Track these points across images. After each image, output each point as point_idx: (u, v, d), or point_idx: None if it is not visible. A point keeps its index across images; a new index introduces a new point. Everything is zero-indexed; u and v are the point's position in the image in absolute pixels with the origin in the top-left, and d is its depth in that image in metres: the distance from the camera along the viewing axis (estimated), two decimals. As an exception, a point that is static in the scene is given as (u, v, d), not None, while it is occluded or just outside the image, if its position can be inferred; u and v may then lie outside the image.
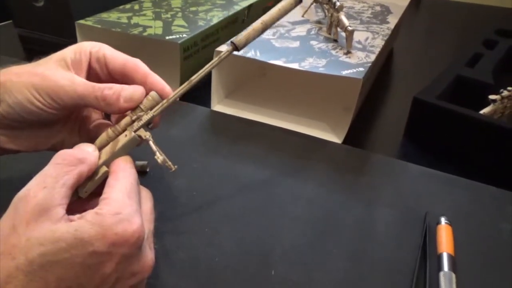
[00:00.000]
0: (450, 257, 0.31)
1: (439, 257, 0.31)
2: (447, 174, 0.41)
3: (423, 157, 0.44)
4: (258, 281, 0.30)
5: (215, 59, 0.30)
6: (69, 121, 0.33)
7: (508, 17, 0.93)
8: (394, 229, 0.35)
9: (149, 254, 0.25)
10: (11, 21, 0.73)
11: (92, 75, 0.32)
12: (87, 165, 0.26)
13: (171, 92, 0.31)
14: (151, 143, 0.29)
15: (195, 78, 0.30)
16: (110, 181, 0.26)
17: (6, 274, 0.20)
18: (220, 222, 0.35)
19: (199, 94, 0.55)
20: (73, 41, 0.55)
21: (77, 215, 0.23)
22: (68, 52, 0.31)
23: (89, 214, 0.23)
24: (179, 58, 0.50)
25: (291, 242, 0.33)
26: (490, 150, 0.42)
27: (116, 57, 0.32)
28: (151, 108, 0.29)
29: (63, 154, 0.25)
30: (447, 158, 0.44)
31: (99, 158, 0.28)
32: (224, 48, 0.48)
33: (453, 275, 0.30)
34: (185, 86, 0.30)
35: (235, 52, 0.46)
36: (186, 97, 0.54)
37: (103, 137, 0.29)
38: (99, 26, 0.53)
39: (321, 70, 0.43)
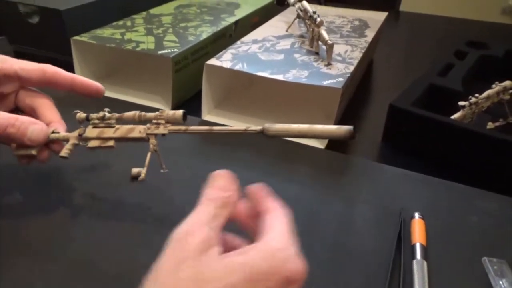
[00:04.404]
0: (422, 247, 0.34)
1: (412, 247, 0.34)
2: (421, 174, 0.44)
3: (400, 159, 0.48)
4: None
5: (239, 128, 0.32)
6: None
7: (479, 29, 0.99)
8: (372, 224, 0.38)
9: None
10: (4, 36, 0.75)
11: None
12: (232, 208, 0.25)
13: (99, 87, 0.38)
14: (149, 154, 0.34)
15: (217, 130, 0.33)
16: (268, 221, 0.25)
17: None
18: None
19: (190, 104, 0.58)
20: (69, 56, 0.58)
21: (234, 251, 0.22)
22: None
23: (255, 250, 0.22)
24: (171, 71, 0.53)
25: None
26: (460, 151, 0.45)
27: (29, 69, 0.36)
28: (170, 122, 0.33)
29: (213, 195, 0.25)
30: (421, 159, 0.47)
31: (115, 130, 0.34)
32: (214, 62, 0.51)
33: (425, 263, 0.33)
34: (205, 130, 0.33)
35: (224, 65, 0.50)
36: (178, 108, 0.57)
37: (130, 115, 0.34)
38: (94, 42, 0.56)
39: (304, 80, 0.46)
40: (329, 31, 0.62)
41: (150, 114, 0.33)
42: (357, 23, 0.67)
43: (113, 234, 0.36)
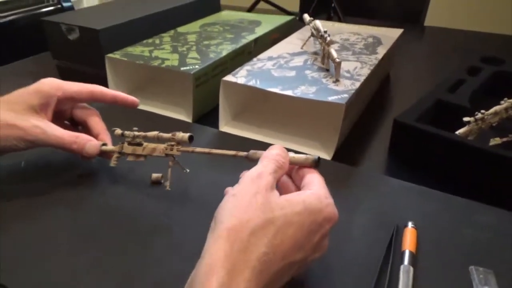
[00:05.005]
0: (411, 254, 0.37)
1: (402, 254, 0.37)
2: (422, 186, 0.46)
3: (404, 173, 0.50)
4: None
5: (231, 153, 0.40)
6: None
7: (503, 43, 0.98)
8: (368, 232, 0.40)
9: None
10: (48, 52, 0.83)
11: (58, 108, 0.46)
12: (283, 172, 0.33)
13: (135, 100, 0.49)
14: (170, 170, 0.42)
15: (214, 152, 0.41)
16: (311, 178, 0.33)
17: (260, 224, 0.27)
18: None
19: (210, 117, 0.63)
20: (103, 71, 0.65)
21: (291, 193, 0.31)
22: (33, 98, 0.44)
23: (307, 193, 0.31)
24: (192, 86, 0.58)
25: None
26: (461, 165, 0.47)
27: (81, 91, 0.47)
28: (180, 144, 0.42)
29: (274, 157, 0.33)
30: (425, 173, 0.49)
31: (143, 149, 0.44)
32: (230, 78, 0.55)
33: (411, 268, 0.35)
34: (206, 151, 0.41)
35: (239, 81, 0.54)
36: (198, 119, 0.62)
37: (151, 134, 0.43)
38: (125, 59, 0.62)
39: (311, 96, 0.50)
40: (343, 48, 0.66)
41: (166, 135, 0.42)
42: (370, 40, 0.70)
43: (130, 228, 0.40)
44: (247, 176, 0.31)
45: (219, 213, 0.29)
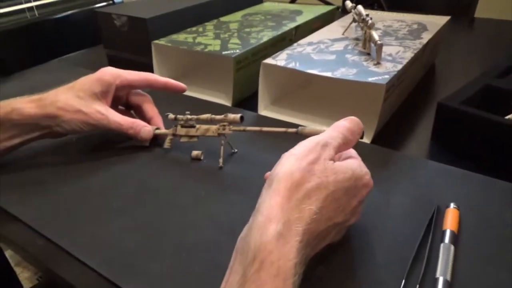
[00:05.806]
0: (452, 233, 0.35)
1: (443, 233, 0.36)
2: (464, 170, 0.44)
3: (447, 157, 0.48)
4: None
5: (281, 129, 0.41)
6: None
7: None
8: (408, 213, 0.39)
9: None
10: (101, 44, 0.88)
11: (115, 95, 0.50)
12: (347, 148, 0.35)
13: (183, 86, 0.52)
14: (222, 148, 0.45)
15: (265, 130, 0.42)
16: (348, 153, 0.36)
17: (315, 187, 0.30)
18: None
19: (250, 101, 0.64)
20: (149, 59, 0.67)
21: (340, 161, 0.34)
22: (95, 86, 0.48)
23: (349, 161, 0.33)
24: (232, 69, 0.59)
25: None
26: (507, 149, 0.45)
27: (137, 79, 0.50)
28: (232, 124, 0.45)
29: (344, 132, 0.34)
30: (468, 157, 0.47)
31: (196, 130, 0.47)
32: (270, 61, 0.56)
33: (452, 247, 0.34)
34: (257, 130, 0.43)
35: (279, 64, 0.55)
36: (238, 104, 0.63)
37: (204, 117, 0.46)
38: (170, 44, 0.65)
39: (351, 77, 0.49)
40: (385, 34, 0.64)
41: (218, 117, 0.45)
42: (415, 26, 0.68)
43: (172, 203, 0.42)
44: (313, 141, 0.32)
45: (278, 171, 0.30)
